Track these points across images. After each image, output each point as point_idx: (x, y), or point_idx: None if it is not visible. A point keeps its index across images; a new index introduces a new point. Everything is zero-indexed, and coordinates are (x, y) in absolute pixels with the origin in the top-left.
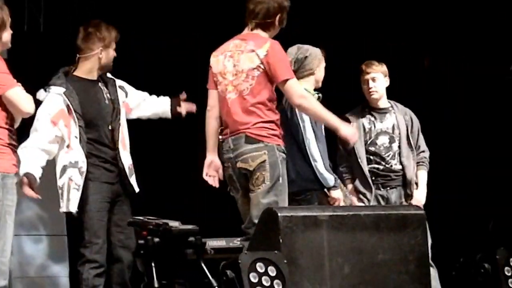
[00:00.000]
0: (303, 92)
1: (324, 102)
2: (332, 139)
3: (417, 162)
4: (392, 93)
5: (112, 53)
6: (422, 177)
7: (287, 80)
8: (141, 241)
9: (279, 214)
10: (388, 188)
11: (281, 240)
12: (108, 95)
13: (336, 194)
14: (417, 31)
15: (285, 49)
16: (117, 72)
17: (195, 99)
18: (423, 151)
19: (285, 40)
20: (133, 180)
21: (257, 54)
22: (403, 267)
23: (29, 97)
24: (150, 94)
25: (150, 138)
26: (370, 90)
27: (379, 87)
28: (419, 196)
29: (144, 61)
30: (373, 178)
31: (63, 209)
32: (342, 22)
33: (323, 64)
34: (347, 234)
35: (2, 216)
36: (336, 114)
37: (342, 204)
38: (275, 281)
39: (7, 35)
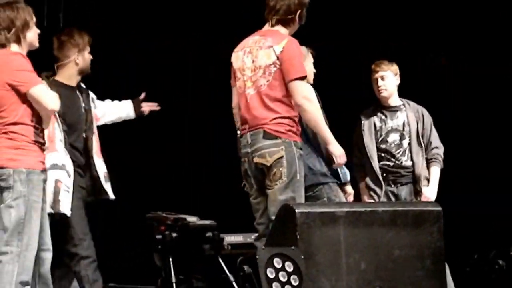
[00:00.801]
0: (309, 94)
1: (326, 101)
2: (347, 138)
3: (430, 159)
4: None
5: (87, 56)
6: (434, 173)
7: (296, 78)
8: (159, 236)
9: (296, 210)
10: (399, 184)
11: (298, 236)
12: (83, 104)
13: (351, 188)
14: (419, 31)
15: None
16: (109, 75)
17: (186, 100)
18: (436, 147)
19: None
20: (108, 187)
21: (274, 50)
22: (419, 263)
23: (54, 95)
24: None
25: (167, 134)
26: (379, 88)
27: (388, 85)
28: (429, 193)
29: (136, 63)
30: (384, 175)
31: (49, 210)
32: (343, 22)
33: (309, 60)
34: (363, 230)
35: (28, 211)
36: (338, 113)
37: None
38: (292, 277)
39: (32, 34)
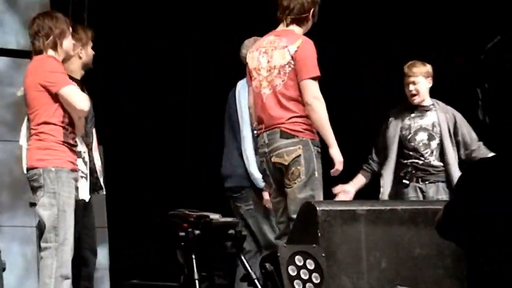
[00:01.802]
0: (319, 94)
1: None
2: (349, 136)
3: (482, 150)
4: (394, 94)
5: (90, 51)
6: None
7: (308, 78)
8: (182, 233)
9: (317, 208)
10: (427, 182)
11: (319, 234)
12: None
13: (266, 195)
14: (421, 31)
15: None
16: (109, 75)
17: (186, 100)
18: (479, 141)
19: None
20: (102, 182)
21: (288, 50)
22: (440, 261)
23: (84, 96)
24: (143, 96)
25: (191, 131)
26: (411, 93)
27: (420, 90)
28: None
29: (136, 63)
30: (413, 171)
31: None
32: (345, 21)
33: None
34: (384, 229)
35: (60, 207)
36: (339, 111)
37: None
38: (313, 274)
39: (67, 43)
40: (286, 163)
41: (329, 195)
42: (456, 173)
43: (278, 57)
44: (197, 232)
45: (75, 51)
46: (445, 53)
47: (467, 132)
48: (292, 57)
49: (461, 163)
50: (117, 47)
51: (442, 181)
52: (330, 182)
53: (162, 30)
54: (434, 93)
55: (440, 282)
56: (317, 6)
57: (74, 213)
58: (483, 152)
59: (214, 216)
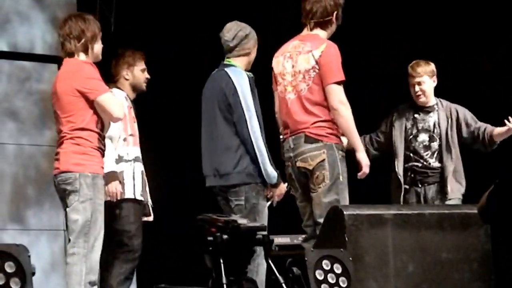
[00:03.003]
0: (345, 99)
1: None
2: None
3: (485, 128)
4: (397, 94)
5: (138, 72)
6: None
7: (333, 82)
8: (210, 238)
9: (345, 212)
10: (426, 184)
11: (346, 238)
12: None
13: (279, 190)
14: (428, 31)
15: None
16: None
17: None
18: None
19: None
20: None
21: (313, 55)
22: (467, 266)
23: (119, 103)
24: (166, 100)
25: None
26: (416, 94)
27: (425, 89)
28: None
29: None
30: (412, 175)
31: (139, 197)
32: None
33: (256, 47)
34: (411, 233)
35: (93, 214)
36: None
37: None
38: (341, 278)
39: (98, 47)
40: (311, 168)
41: (355, 199)
42: (449, 175)
43: (303, 62)
44: (225, 236)
45: (122, 73)
46: (458, 53)
47: (470, 117)
48: (316, 61)
49: (463, 162)
50: (145, 50)
51: (440, 182)
52: (355, 185)
53: (189, 34)
54: (447, 93)
55: (467, 286)
56: (340, 9)
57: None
58: (488, 126)
59: (242, 221)
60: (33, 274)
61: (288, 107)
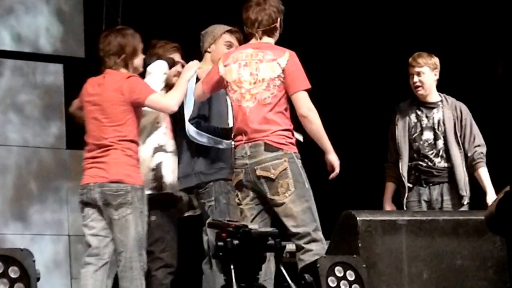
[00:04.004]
0: (313, 106)
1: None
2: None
3: (476, 159)
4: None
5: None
6: (485, 176)
7: (301, 90)
8: (221, 243)
9: (358, 218)
10: (431, 184)
11: (360, 244)
12: None
13: None
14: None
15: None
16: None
17: None
18: (479, 146)
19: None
20: None
21: (278, 63)
22: (482, 273)
23: (168, 96)
24: None
25: None
26: (415, 84)
27: (425, 81)
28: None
29: None
30: (416, 174)
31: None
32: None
33: (220, 42)
34: (425, 239)
35: (145, 226)
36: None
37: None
38: (354, 286)
39: (138, 60)
40: (274, 177)
41: (361, 204)
42: (461, 175)
43: (267, 70)
44: (235, 242)
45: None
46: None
47: (469, 133)
48: (283, 70)
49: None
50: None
51: (446, 182)
52: (362, 190)
53: (196, 33)
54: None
55: None
56: (282, 15)
57: None
58: (475, 163)
59: (253, 226)
60: (38, 279)
61: (247, 115)
